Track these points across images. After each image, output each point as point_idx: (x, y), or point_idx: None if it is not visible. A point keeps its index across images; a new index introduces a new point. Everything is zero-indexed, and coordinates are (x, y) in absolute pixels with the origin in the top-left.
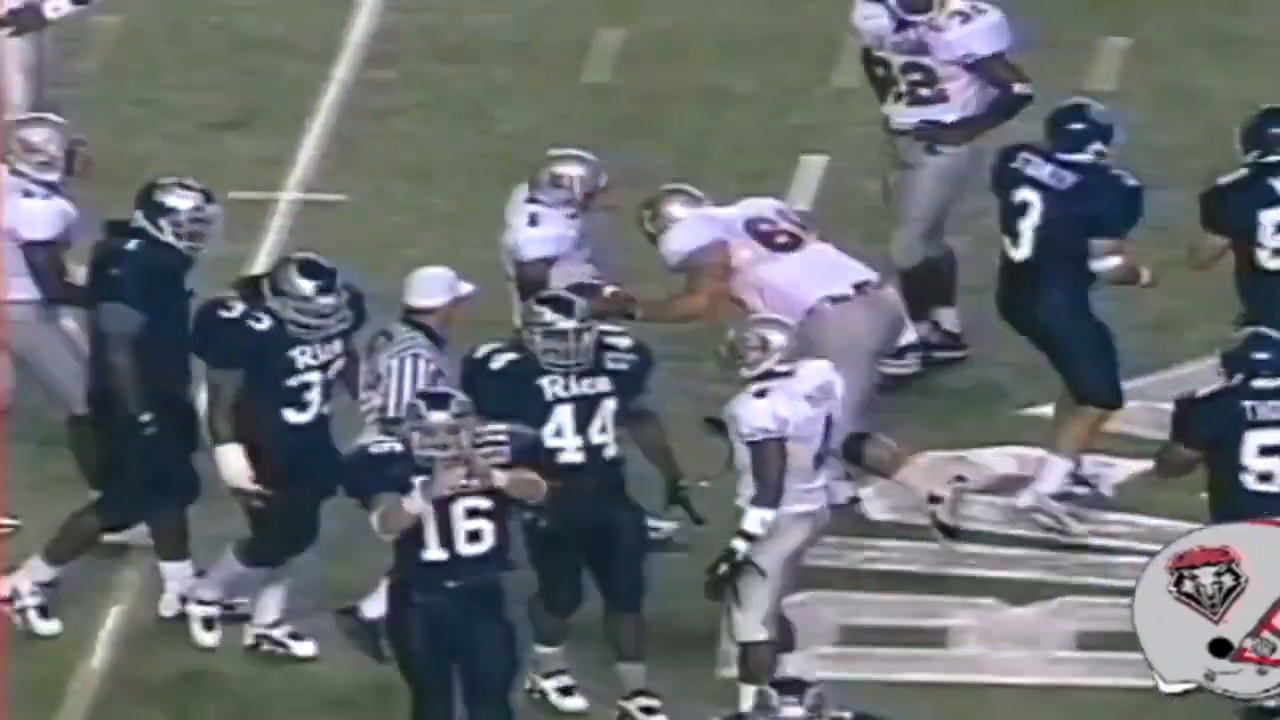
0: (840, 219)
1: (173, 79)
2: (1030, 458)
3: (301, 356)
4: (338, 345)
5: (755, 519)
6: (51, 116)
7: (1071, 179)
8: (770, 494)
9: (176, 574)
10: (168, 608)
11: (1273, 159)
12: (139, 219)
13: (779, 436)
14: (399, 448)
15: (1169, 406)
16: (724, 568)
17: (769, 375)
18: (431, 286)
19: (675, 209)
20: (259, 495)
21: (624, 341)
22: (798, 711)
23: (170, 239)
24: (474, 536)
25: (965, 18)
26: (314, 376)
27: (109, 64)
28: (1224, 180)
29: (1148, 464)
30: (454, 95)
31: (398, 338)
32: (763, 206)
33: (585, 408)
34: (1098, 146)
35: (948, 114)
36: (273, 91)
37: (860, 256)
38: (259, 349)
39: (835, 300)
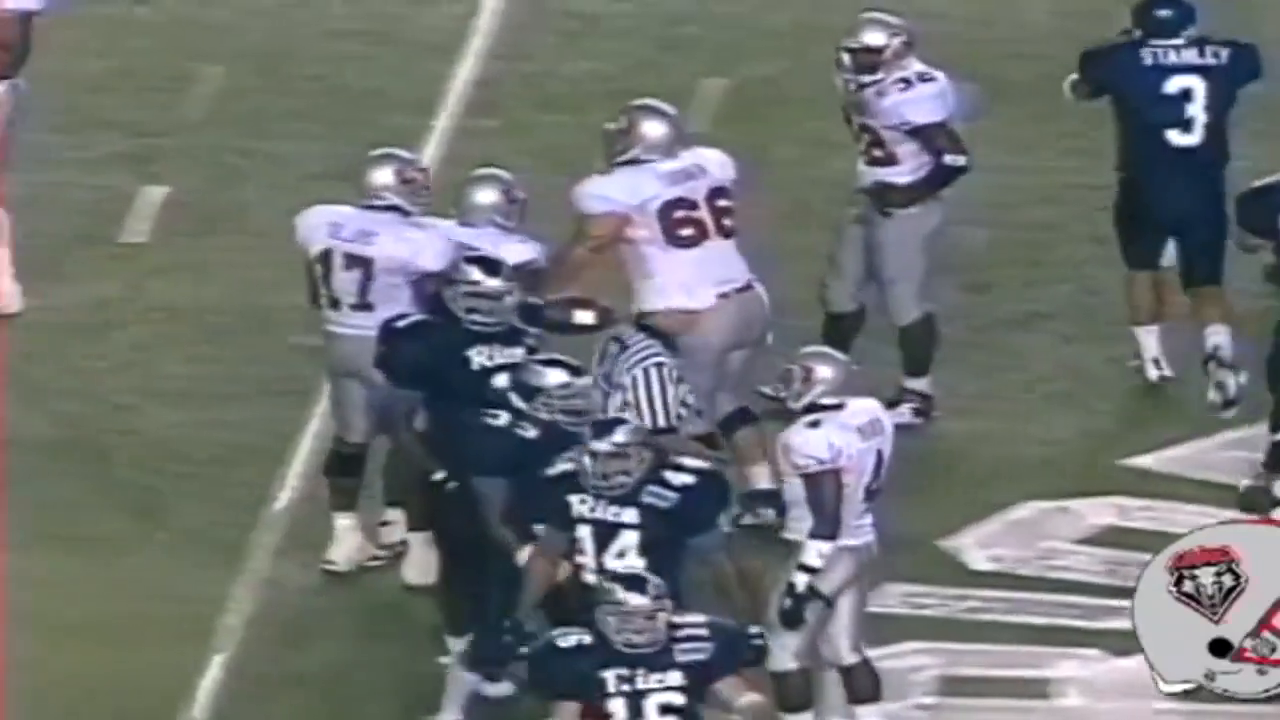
0: (938, 267)
1: (274, 129)
2: (1130, 507)
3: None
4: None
5: (814, 551)
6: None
7: (1225, 54)
8: (828, 524)
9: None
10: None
11: None
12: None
13: (834, 467)
14: (588, 639)
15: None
16: (787, 602)
17: (815, 408)
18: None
19: (648, 129)
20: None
21: (680, 478)
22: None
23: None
24: None
25: (906, 84)
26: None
27: (211, 113)
28: (1258, 184)
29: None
30: (554, 144)
31: (633, 346)
32: (699, 186)
33: (604, 534)
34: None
35: (899, 176)
36: (374, 141)
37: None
38: (523, 459)
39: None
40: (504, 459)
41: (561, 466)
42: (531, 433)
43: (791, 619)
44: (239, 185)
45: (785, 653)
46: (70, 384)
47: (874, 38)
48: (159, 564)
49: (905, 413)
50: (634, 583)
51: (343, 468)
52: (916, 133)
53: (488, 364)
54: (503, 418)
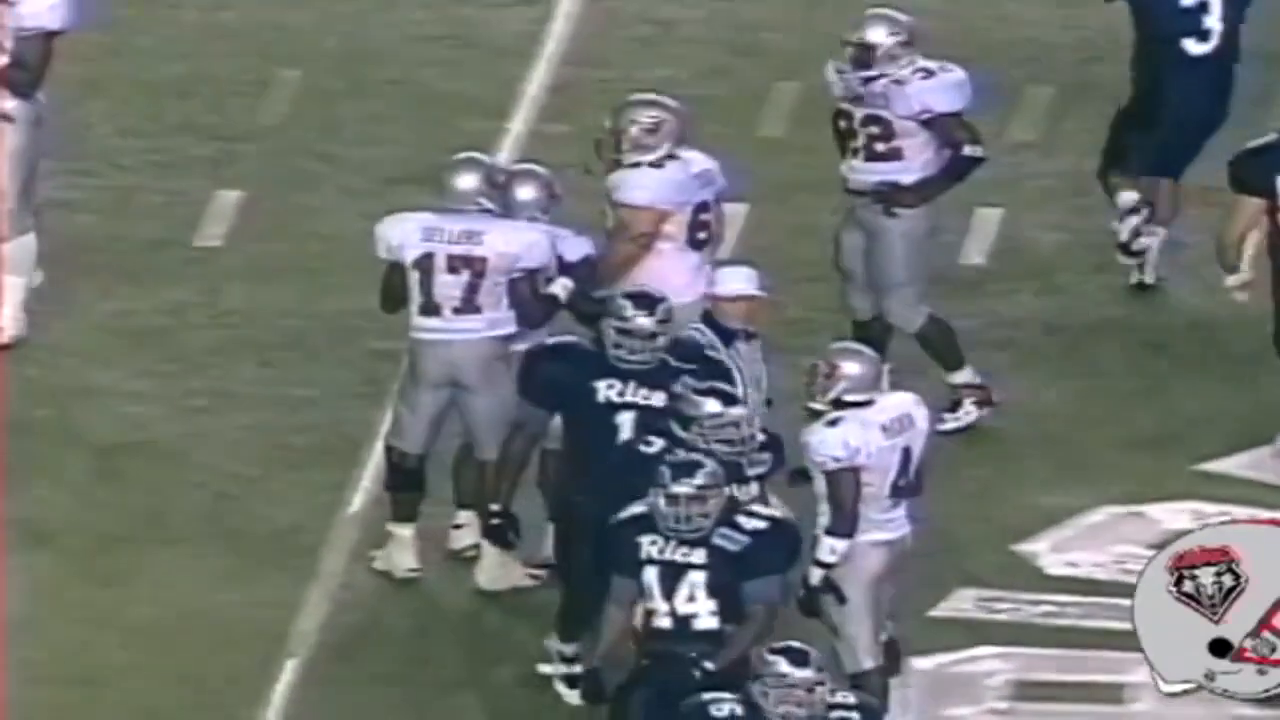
0: (1016, 272)
1: (351, 133)
2: (1206, 512)
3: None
4: (754, 488)
5: (827, 547)
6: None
7: None
8: (845, 523)
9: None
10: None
11: None
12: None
13: (850, 465)
14: (739, 710)
15: None
16: (801, 593)
17: (841, 404)
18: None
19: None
20: None
21: (752, 523)
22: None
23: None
24: None
25: (928, 74)
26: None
27: (288, 118)
28: (1252, 144)
29: None
30: None
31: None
32: (713, 191)
33: (671, 574)
34: None
35: (905, 174)
36: (450, 145)
37: (1033, 312)
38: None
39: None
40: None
41: (632, 510)
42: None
43: (807, 608)
44: (315, 189)
45: (861, 654)
46: (143, 387)
47: (874, 34)
48: (231, 567)
49: (970, 409)
50: (797, 656)
51: (404, 482)
52: (933, 123)
53: (614, 399)
54: (656, 445)
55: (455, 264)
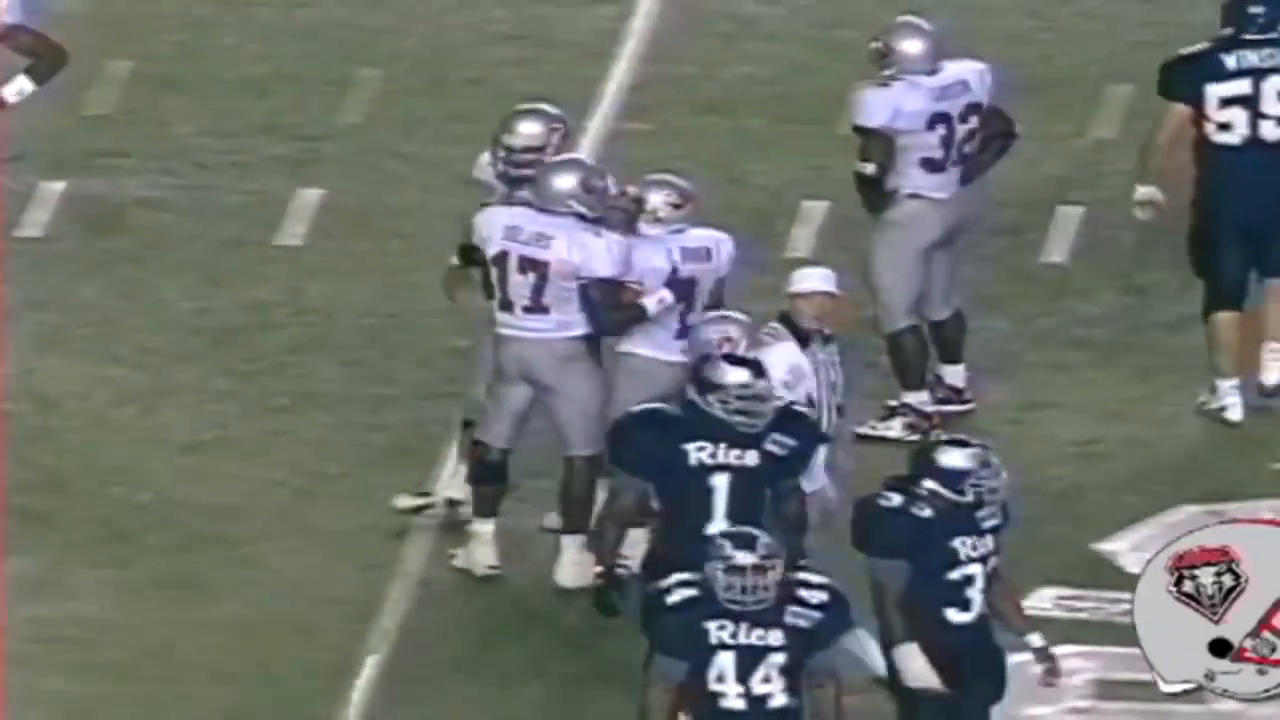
0: (1097, 270)
1: (431, 132)
2: None
3: (963, 547)
4: (990, 541)
5: None
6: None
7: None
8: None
9: None
10: None
11: (1227, 34)
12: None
13: None
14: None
15: None
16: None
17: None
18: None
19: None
20: (940, 695)
21: (817, 596)
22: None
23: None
24: None
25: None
26: (975, 569)
27: (370, 117)
28: (1184, 51)
29: None
30: (708, 147)
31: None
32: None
33: (750, 658)
34: None
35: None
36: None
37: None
38: (921, 540)
39: None
40: (904, 541)
41: (682, 594)
42: (927, 512)
43: None
44: (395, 188)
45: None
46: (225, 386)
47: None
48: (312, 565)
49: (897, 428)
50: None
51: (488, 475)
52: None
53: (706, 461)
54: (895, 499)
55: (525, 265)
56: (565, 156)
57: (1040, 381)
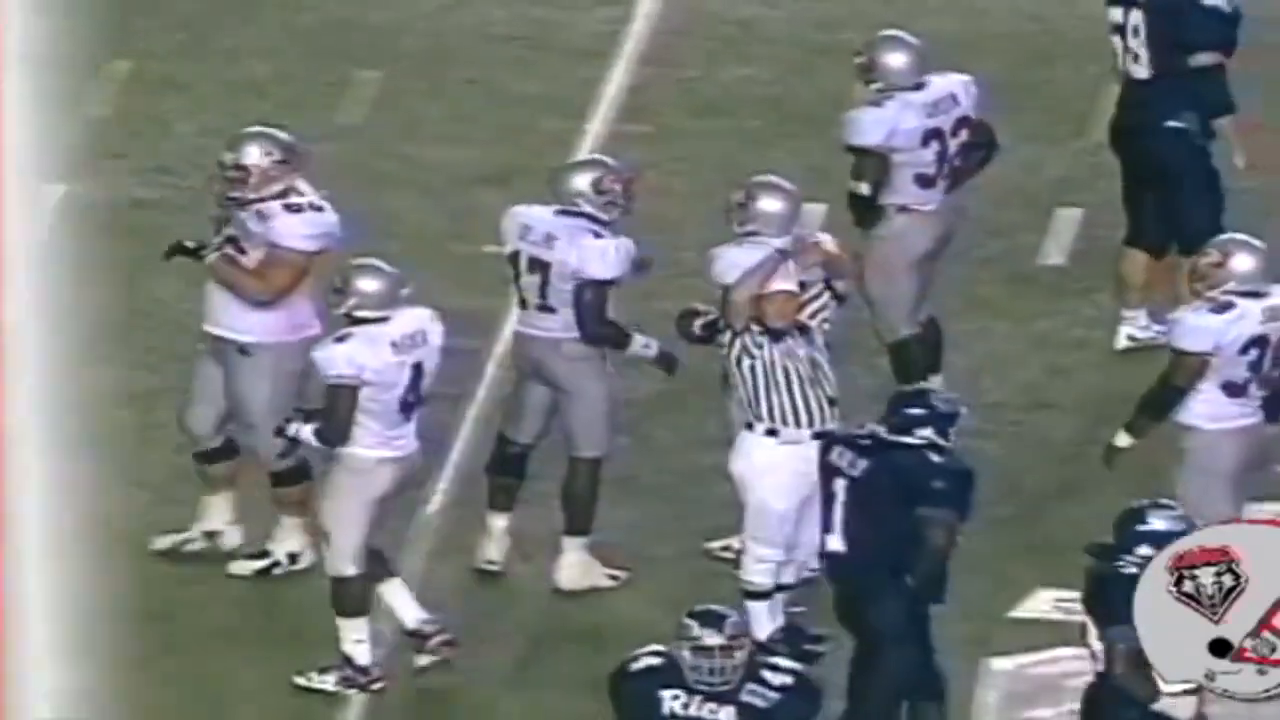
0: (1095, 273)
1: (430, 134)
2: None
3: None
4: None
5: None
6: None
7: None
8: (335, 434)
9: None
10: None
11: None
12: None
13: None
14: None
15: None
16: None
17: (353, 321)
18: None
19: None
20: None
21: (779, 678)
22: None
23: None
24: None
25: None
26: None
27: (367, 118)
28: None
29: None
30: (708, 149)
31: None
32: None
33: None
34: None
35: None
36: (528, 146)
37: (1112, 312)
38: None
39: None
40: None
41: (646, 661)
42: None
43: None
44: (394, 189)
45: (339, 559)
46: None
47: (886, 54)
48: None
49: None
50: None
51: (506, 466)
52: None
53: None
54: (1131, 569)
55: (533, 264)
56: (588, 156)
57: (1040, 382)
